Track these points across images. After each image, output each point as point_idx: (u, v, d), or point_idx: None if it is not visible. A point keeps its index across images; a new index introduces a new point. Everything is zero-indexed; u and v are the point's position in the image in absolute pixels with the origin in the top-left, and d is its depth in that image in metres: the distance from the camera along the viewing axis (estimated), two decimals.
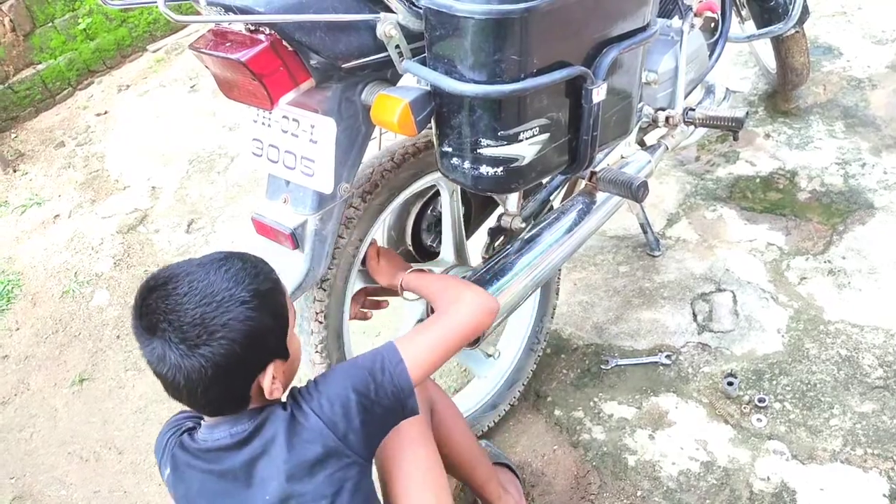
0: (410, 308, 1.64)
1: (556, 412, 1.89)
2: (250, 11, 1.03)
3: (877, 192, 2.33)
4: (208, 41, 1.11)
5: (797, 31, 2.39)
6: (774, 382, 1.84)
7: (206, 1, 1.02)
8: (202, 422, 1.14)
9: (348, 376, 1.13)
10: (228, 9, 1.05)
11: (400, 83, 1.23)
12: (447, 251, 1.64)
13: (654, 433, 1.79)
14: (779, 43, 2.47)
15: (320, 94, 1.17)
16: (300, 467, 1.07)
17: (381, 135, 1.47)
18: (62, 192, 3.24)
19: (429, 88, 1.15)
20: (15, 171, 3.45)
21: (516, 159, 1.18)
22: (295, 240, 1.24)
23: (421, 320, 1.63)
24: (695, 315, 2.07)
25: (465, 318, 1.24)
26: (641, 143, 1.99)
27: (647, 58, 1.40)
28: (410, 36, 1.15)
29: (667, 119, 1.86)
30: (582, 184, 1.78)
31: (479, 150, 1.16)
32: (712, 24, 2.08)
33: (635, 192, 1.61)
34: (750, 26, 2.42)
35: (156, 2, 0.99)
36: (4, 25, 3.63)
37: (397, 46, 1.15)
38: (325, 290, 1.36)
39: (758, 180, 2.48)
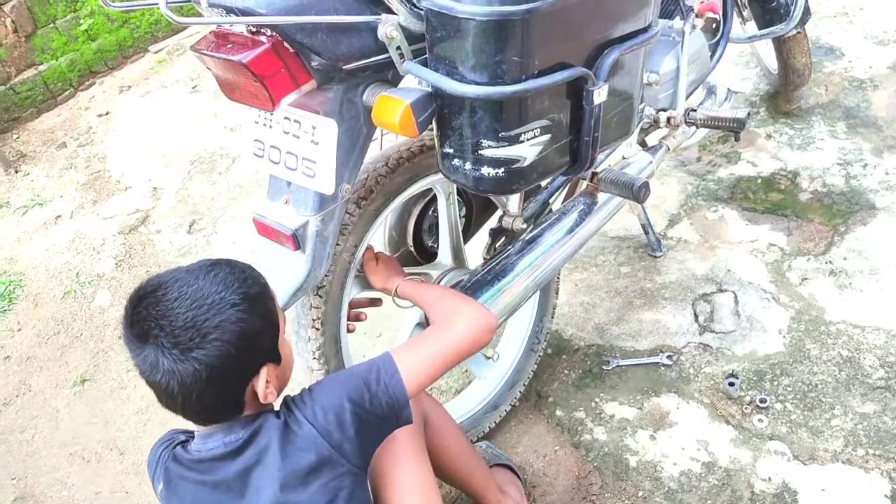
0: (411, 309, 1.65)
1: (558, 413, 1.89)
2: (252, 13, 1.04)
3: (878, 192, 2.32)
4: (210, 42, 1.11)
5: (799, 32, 2.39)
6: (776, 383, 1.84)
7: (208, 2, 1.02)
8: (195, 433, 1.14)
9: (343, 385, 1.13)
10: (230, 10, 1.05)
11: (401, 84, 1.23)
12: (445, 254, 1.64)
13: (656, 434, 1.79)
14: (780, 44, 2.47)
15: (322, 95, 1.17)
16: (294, 476, 1.07)
17: (382, 136, 1.47)
18: (64, 193, 3.24)
19: (430, 90, 1.15)
20: (17, 172, 3.45)
21: (517, 160, 1.18)
22: (296, 241, 1.24)
23: (420, 324, 1.63)
24: (696, 316, 2.07)
25: (463, 334, 1.24)
26: (643, 144, 1.99)
27: (648, 59, 1.40)
28: (412, 37, 1.15)
29: (668, 120, 1.86)
30: (583, 185, 1.78)
31: (480, 152, 1.16)
32: (714, 25, 2.08)
33: (637, 192, 1.61)
34: (751, 27, 2.41)
35: (157, 3, 0.99)
36: (6, 26, 3.64)
37: (398, 48, 1.15)
38: (321, 296, 1.35)
39: (759, 181, 2.48)
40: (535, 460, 1.80)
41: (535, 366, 1.91)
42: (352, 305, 1.52)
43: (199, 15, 1.05)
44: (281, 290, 1.25)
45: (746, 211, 2.38)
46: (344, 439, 1.09)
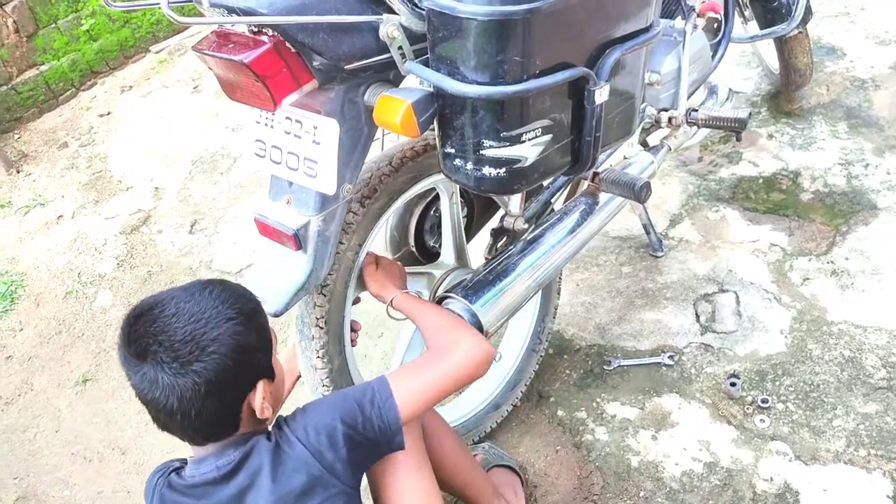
0: None
1: (559, 413, 1.89)
2: (253, 13, 1.04)
3: (880, 192, 2.32)
4: (211, 42, 1.11)
5: (800, 32, 2.39)
6: (777, 383, 1.84)
7: (210, 2, 1.02)
8: (189, 459, 1.15)
9: (336, 407, 1.14)
10: (231, 10, 1.05)
11: (402, 84, 1.23)
12: (447, 254, 1.64)
13: (657, 434, 1.79)
14: (782, 43, 2.47)
15: (323, 95, 1.17)
16: (287, 497, 1.08)
17: (383, 136, 1.47)
18: (65, 193, 3.25)
19: (431, 90, 1.15)
20: (18, 172, 3.45)
21: (519, 160, 1.18)
22: (298, 241, 1.24)
23: None
24: (698, 316, 2.07)
25: (461, 367, 1.24)
26: (644, 144, 1.99)
27: (650, 58, 1.40)
28: (413, 37, 1.15)
29: (670, 120, 1.86)
30: (584, 185, 1.78)
31: (481, 152, 1.16)
32: (715, 25, 2.08)
33: (638, 192, 1.61)
34: (753, 27, 2.41)
35: (159, 3, 0.99)
36: (8, 27, 3.64)
37: (400, 48, 1.15)
38: (325, 295, 1.35)
39: (761, 181, 2.48)
40: (536, 460, 1.80)
41: (537, 366, 1.91)
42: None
43: (201, 15, 1.05)
44: (283, 290, 1.25)
45: (748, 211, 2.37)
46: (336, 460, 1.10)
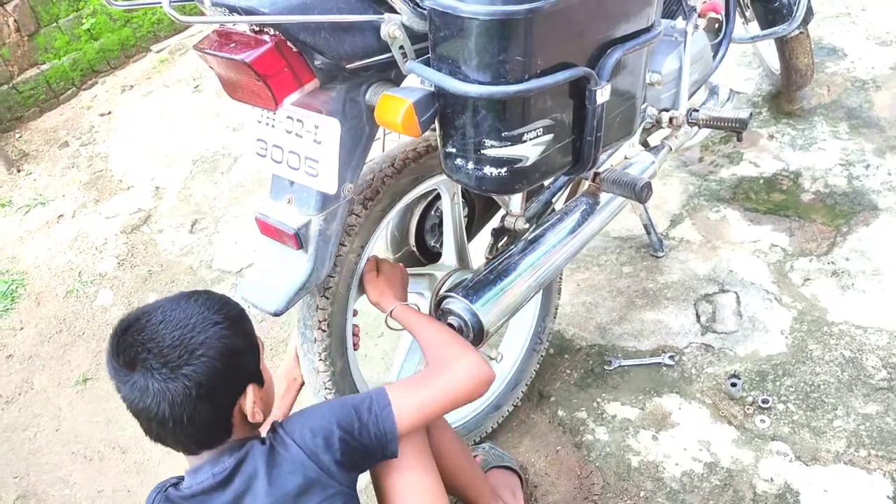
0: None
1: (560, 413, 1.89)
2: (255, 12, 1.04)
3: (881, 193, 2.32)
4: (212, 42, 1.11)
5: (801, 32, 2.39)
6: (778, 383, 1.84)
7: (211, 1, 1.02)
8: (185, 472, 1.16)
9: (334, 411, 1.16)
10: (233, 9, 1.05)
11: (404, 84, 1.23)
12: (449, 254, 1.64)
13: (658, 434, 1.79)
14: (783, 44, 2.47)
15: (324, 94, 1.17)
16: (284, 500, 1.08)
17: (384, 135, 1.47)
18: (66, 192, 3.25)
19: (433, 89, 1.15)
20: (19, 171, 3.46)
21: (520, 160, 1.18)
22: (299, 240, 1.24)
23: None
24: (698, 316, 2.07)
25: (461, 387, 1.25)
26: (645, 144, 1.99)
27: (651, 59, 1.40)
28: (414, 37, 1.15)
29: (670, 120, 1.86)
30: (585, 184, 1.78)
31: (482, 151, 1.16)
32: (716, 25, 2.08)
33: (639, 192, 1.61)
34: (754, 27, 2.41)
35: (160, 2, 0.99)
36: (9, 26, 3.65)
37: (401, 47, 1.15)
38: (327, 297, 1.35)
39: (761, 181, 2.48)
40: (536, 460, 1.80)
41: (538, 366, 1.91)
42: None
43: (202, 14, 1.05)
44: (283, 289, 1.25)
45: (748, 211, 2.37)
46: (331, 462, 1.11)
